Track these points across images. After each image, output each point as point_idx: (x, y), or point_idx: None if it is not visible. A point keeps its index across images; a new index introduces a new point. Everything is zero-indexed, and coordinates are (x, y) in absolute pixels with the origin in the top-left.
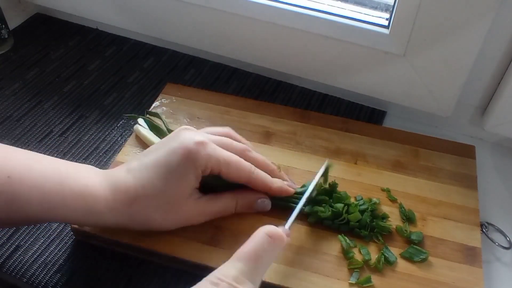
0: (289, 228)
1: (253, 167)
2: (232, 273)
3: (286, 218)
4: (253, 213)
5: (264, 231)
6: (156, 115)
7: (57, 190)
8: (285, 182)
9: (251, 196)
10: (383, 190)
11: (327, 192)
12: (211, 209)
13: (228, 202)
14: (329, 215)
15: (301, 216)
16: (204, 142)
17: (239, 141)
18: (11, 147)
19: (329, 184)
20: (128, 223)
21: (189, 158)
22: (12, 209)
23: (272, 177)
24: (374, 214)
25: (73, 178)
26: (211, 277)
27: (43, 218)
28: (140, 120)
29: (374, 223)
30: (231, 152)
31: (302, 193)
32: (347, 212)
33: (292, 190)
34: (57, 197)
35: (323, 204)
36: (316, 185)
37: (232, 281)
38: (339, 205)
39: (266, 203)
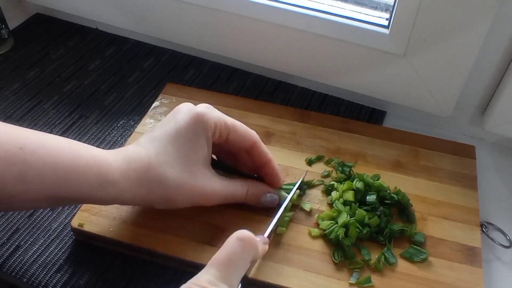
0: (268, 236)
1: (257, 135)
2: (206, 278)
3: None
4: (253, 214)
5: (236, 236)
6: None
7: (70, 160)
8: None
9: (262, 187)
10: None
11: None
12: (224, 189)
13: (240, 187)
14: (366, 233)
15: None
16: (210, 107)
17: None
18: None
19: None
20: (145, 195)
21: (198, 121)
22: (26, 181)
23: None
24: (387, 215)
25: (84, 149)
26: (186, 284)
27: (58, 193)
28: None
29: (388, 227)
30: None
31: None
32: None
33: (281, 183)
34: (70, 166)
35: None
36: (293, 195)
37: (206, 284)
38: (362, 212)
39: (274, 198)
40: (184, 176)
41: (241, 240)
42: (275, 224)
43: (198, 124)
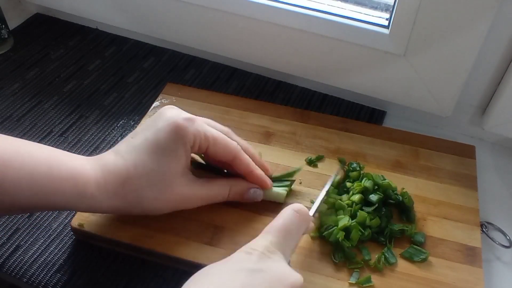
0: (313, 215)
1: (239, 147)
2: (263, 244)
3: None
4: (253, 214)
5: (292, 208)
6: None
7: (46, 172)
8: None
9: (244, 184)
10: None
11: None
12: (204, 193)
13: (221, 187)
14: (367, 235)
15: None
16: (191, 118)
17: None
18: None
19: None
20: (121, 205)
21: (177, 133)
22: (2, 191)
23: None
24: (388, 216)
25: (62, 161)
26: (245, 248)
27: (34, 203)
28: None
29: (388, 227)
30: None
31: (278, 179)
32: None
33: (269, 186)
34: (45, 179)
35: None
36: (329, 189)
37: (264, 250)
38: (363, 214)
39: (258, 193)
40: (161, 187)
41: (298, 212)
42: (319, 204)
43: (176, 136)
